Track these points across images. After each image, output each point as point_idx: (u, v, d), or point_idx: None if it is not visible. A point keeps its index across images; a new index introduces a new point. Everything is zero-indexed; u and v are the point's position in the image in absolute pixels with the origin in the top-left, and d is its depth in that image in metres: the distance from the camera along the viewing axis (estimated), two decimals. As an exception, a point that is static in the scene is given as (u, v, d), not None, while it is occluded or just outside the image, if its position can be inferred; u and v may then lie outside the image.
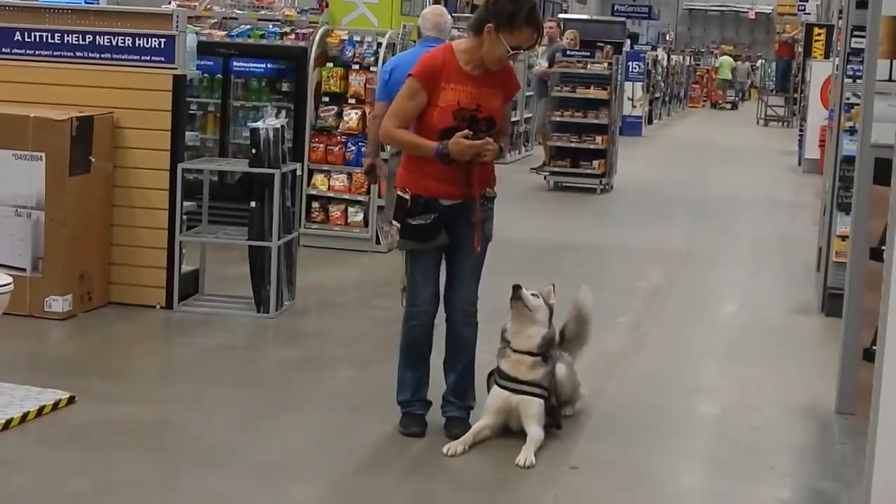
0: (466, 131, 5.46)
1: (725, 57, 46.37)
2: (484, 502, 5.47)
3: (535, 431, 5.64)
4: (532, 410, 5.68)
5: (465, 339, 5.90)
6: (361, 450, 5.92)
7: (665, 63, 34.12)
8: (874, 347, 5.48)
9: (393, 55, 11.27)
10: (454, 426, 5.82)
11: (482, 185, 5.72)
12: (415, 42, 10.50)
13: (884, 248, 5.52)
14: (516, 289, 5.74)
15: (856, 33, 8.22)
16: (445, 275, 5.91)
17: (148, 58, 8.53)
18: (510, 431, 5.87)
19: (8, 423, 5.75)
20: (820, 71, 17.62)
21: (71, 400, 6.14)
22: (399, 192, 5.76)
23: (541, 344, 5.76)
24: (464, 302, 5.84)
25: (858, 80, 7.96)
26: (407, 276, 6.06)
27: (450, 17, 9.77)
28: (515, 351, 5.76)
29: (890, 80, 5.77)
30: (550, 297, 5.93)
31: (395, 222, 5.77)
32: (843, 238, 8.19)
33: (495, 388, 5.80)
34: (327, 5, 12.62)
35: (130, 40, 8.53)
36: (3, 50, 8.66)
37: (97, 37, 8.50)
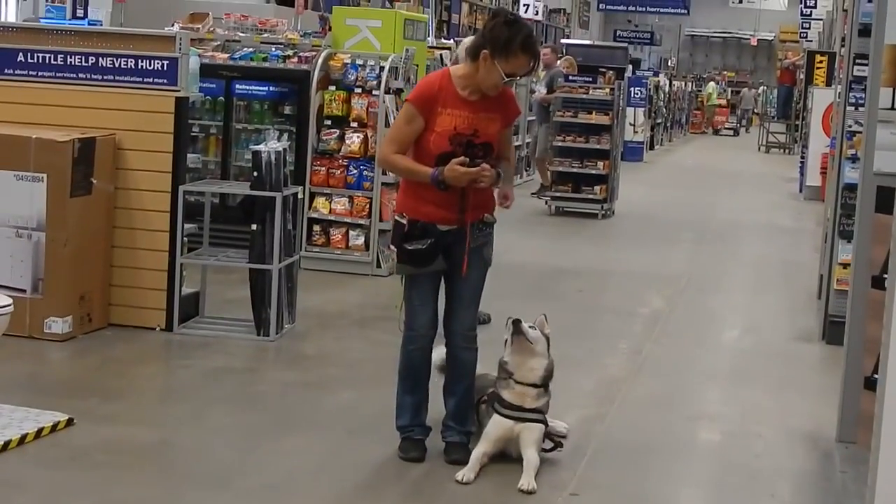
0: (463, 158, 5.42)
1: (711, 83, 46.35)
2: None
3: (533, 456, 5.66)
4: (534, 436, 5.71)
5: (465, 364, 5.86)
6: (361, 473, 5.94)
7: (667, 89, 34.18)
8: (875, 376, 5.47)
9: (395, 79, 11.33)
10: (454, 451, 5.80)
11: (479, 211, 5.69)
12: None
13: (886, 276, 5.53)
14: (517, 324, 5.74)
15: (858, 61, 8.19)
16: (445, 300, 5.87)
17: (150, 80, 8.55)
18: (505, 455, 5.89)
19: (6, 445, 5.75)
20: (822, 98, 17.60)
21: (70, 422, 6.14)
22: (396, 217, 5.71)
23: (543, 375, 5.82)
24: (462, 327, 5.78)
25: (861, 108, 7.95)
26: (405, 301, 5.89)
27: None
28: (519, 383, 5.77)
29: (892, 108, 5.76)
30: (545, 328, 5.95)
31: (392, 247, 5.80)
32: (845, 266, 8.20)
33: (496, 416, 5.77)
34: (330, 29, 12.65)
35: (133, 62, 8.55)
36: (6, 71, 8.67)
37: (100, 59, 8.51)
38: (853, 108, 8.45)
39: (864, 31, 7.80)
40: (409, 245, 5.54)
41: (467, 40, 10.91)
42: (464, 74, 5.59)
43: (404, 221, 5.59)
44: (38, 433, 5.94)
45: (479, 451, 5.74)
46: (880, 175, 5.80)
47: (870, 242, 5.93)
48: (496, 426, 5.75)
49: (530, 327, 5.80)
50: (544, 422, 5.82)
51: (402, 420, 5.92)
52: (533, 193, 17.36)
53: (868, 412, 5.52)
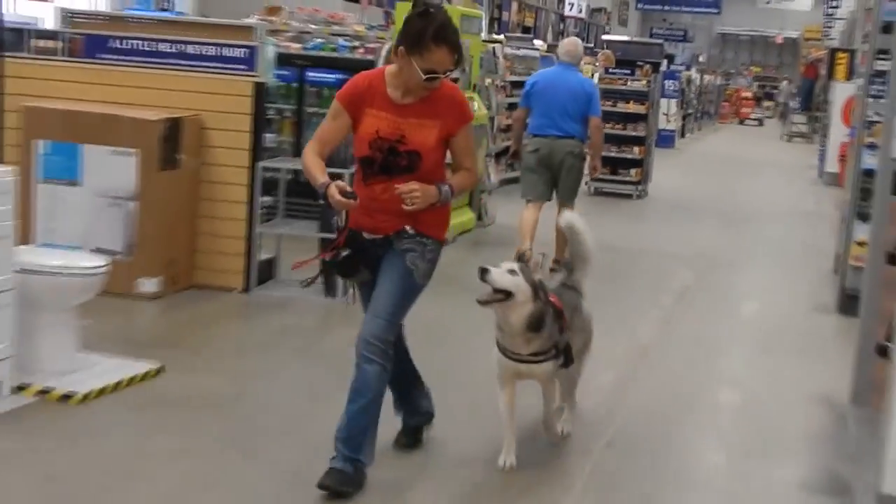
0: (342, 183, 4.48)
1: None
2: (520, 475, 5.34)
3: (551, 391, 5.38)
4: (543, 374, 5.18)
5: (363, 376, 4.64)
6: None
7: (698, 82, 33.98)
8: (888, 343, 5.51)
9: (457, 74, 11.36)
10: (330, 476, 4.63)
11: (401, 220, 4.61)
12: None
13: (900, 252, 5.57)
14: (483, 272, 4.81)
15: (880, 56, 8.18)
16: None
17: (231, 66, 8.65)
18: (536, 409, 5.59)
19: (103, 390, 5.88)
20: (842, 92, 17.46)
21: (160, 370, 6.26)
22: (336, 221, 4.92)
23: (527, 323, 4.90)
24: (369, 334, 4.61)
25: (881, 100, 7.97)
26: None
27: (581, 46, 11.31)
28: (505, 331, 5.05)
29: (912, 99, 5.77)
30: (534, 273, 5.04)
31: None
32: (861, 244, 8.19)
33: (501, 357, 5.14)
34: (393, 22, 12.72)
35: (216, 50, 8.66)
36: (102, 56, 8.79)
37: (186, 46, 8.62)
38: (873, 99, 8.43)
39: (887, 28, 7.80)
40: (329, 256, 4.71)
41: (565, 40, 11.34)
42: (395, 73, 4.57)
43: (337, 225, 4.83)
44: (131, 380, 6.05)
45: (503, 401, 5.20)
46: (897, 160, 5.80)
47: (885, 223, 5.94)
48: (501, 366, 5.15)
49: (509, 272, 4.88)
50: (551, 358, 5.12)
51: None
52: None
53: (880, 378, 5.55)
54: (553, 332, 5.07)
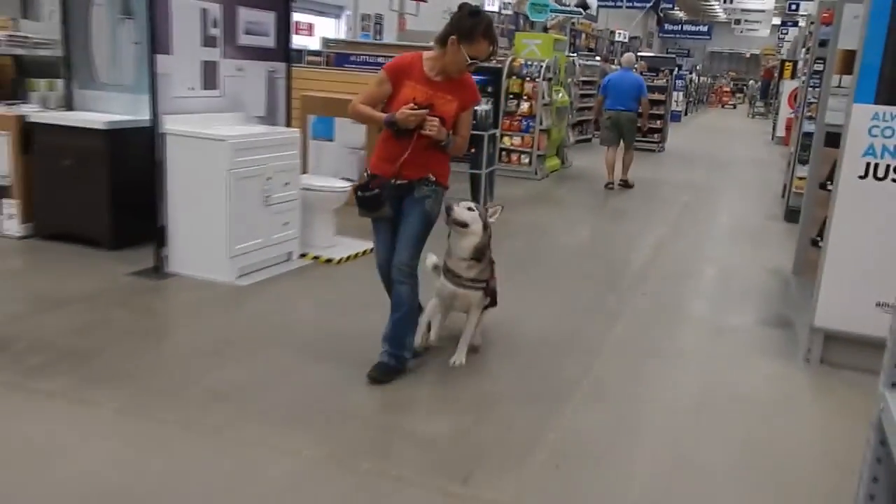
0: (412, 104, 3.68)
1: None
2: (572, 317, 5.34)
3: (475, 318, 4.14)
4: (474, 300, 4.09)
5: (399, 294, 3.88)
6: (525, 282, 5.94)
7: (696, 81, 32.88)
8: (818, 237, 5.34)
9: (548, 72, 11.19)
10: (377, 368, 3.87)
11: (425, 170, 3.82)
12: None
13: (829, 182, 5.35)
14: (448, 209, 3.90)
15: (817, 61, 7.88)
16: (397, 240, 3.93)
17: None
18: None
19: (349, 257, 6.00)
20: (788, 87, 16.77)
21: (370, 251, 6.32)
22: (364, 172, 3.98)
23: (474, 250, 3.96)
24: (399, 262, 3.84)
25: (816, 89, 7.67)
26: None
27: (634, 57, 12.19)
28: (455, 256, 4.00)
29: (839, 86, 5.50)
30: (490, 215, 4.04)
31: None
32: (801, 178, 7.96)
33: (441, 278, 4.09)
34: (513, 45, 12.53)
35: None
36: (345, 65, 9.01)
37: (387, 59, 8.55)
38: (812, 88, 8.12)
39: (822, 44, 7.52)
40: (361, 193, 3.83)
41: (626, 54, 11.54)
42: (432, 57, 3.81)
43: (366, 174, 3.91)
44: (364, 252, 6.08)
45: (431, 307, 4.18)
46: (829, 125, 5.56)
47: (819, 164, 5.72)
48: (442, 286, 4.09)
49: (468, 209, 3.97)
50: (483, 288, 4.09)
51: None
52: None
53: (812, 258, 5.40)
54: (487, 269, 4.09)
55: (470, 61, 3.70)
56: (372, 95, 3.82)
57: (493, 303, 4.30)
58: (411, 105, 3.67)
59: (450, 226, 3.92)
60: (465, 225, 3.91)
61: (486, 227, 3.98)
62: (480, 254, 3.99)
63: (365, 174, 3.88)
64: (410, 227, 3.83)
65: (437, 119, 3.68)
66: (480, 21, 3.69)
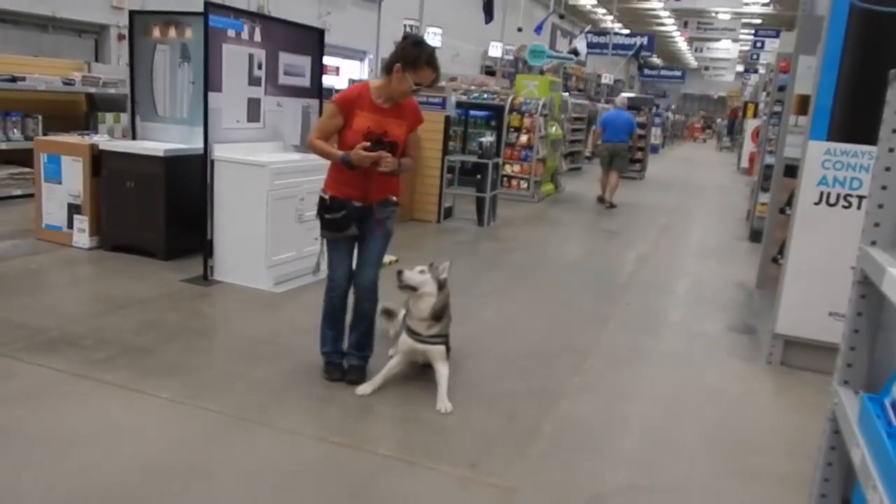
0: (365, 143, 3.41)
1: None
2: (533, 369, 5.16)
3: (443, 371, 3.62)
4: (436, 355, 3.64)
5: (365, 310, 3.70)
6: (524, 291, 5.91)
7: (671, 119, 32.86)
8: (778, 255, 5.32)
9: (544, 109, 11.22)
10: (353, 372, 3.71)
11: (385, 192, 3.59)
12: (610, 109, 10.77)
13: (787, 207, 5.34)
14: (398, 274, 3.54)
15: (776, 104, 7.89)
16: (356, 259, 3.69)
17: (434, 107, 8.62)
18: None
19: (371, 268, 5.99)
20: (751, 125, 16.75)
21: (397, 260, 6.23)
22: (321, 194, 3.61)
23: (430, 312, 3.58)
24: (366, 280, 3.63)
25: (776, 127, 7.65)
26: (328, 259, 3.70)
27: (626, 99, 12.96)
28: (414, 317, 3.61)
29: (795, 125, 5.51)
30: (441, 273, 3.61)
31: (316, 216, 3.66)
32: (763, 204, 7.92)
33: (404, 335, 3.67)
34: (514, 85, 12.57)
35: (427, 98, 8.62)
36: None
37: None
38: (772, 126, 8.09)
39: (781, 89, 7.49)
40: (328, 215, 3.56)
41: (620, 96, 11.90)
42: (379, 86, 3.53)
43: (327, 197, 3.57)
44: (389, 263, 6.06)
45: (393, 361, 3.71)
46: (787, 158, 5.56)
47: (780, 191, 5.71)
48: (404, 342, 3.66)
49: (420, 272, 3.58)
50: (444, 343, 3.66)
51: (325, 348, 3.81)
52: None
53: (773, 273, 5.38)
54: (447, 325, 3.70)
55: (415, 87, 3.47)
56: (326, 129, 3.57)
57: (448, 351, 3.74)
58: (364, 144, 3.41)
59: (402, 291, 3.57)
60: (413, 289, 3.55)
61: (441, 286, 3.60)
62: (440, 313, 3.61)
63: (325, 197, 3.57)
64: (376, 247, 3.63)
65: (389, 155, 3.45)
66: (423, 50, 3.47)
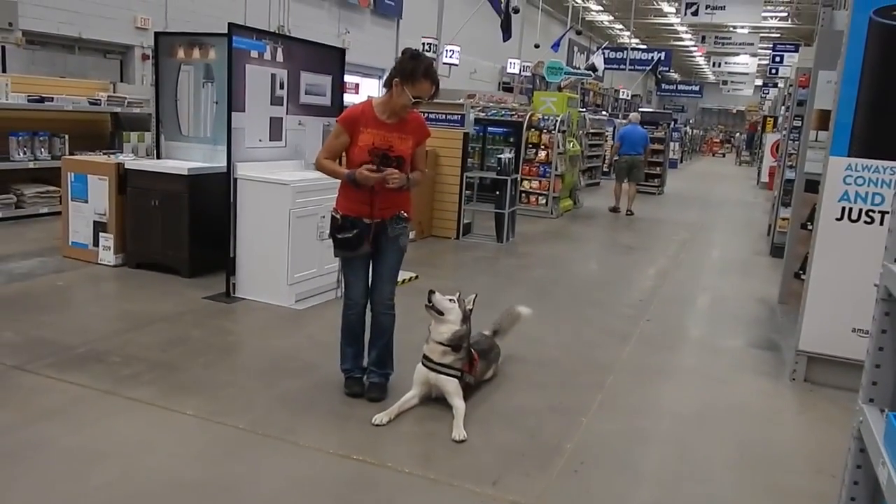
0: (370, 165, 3.44)
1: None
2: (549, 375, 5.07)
3: (457, 404, 3.53)
4: (449, 387, 3.58)
5: (383, 325, 3.71)
6: (538, 295, 5.92)
7: (690, 133, 32.71)
8: (801, 271, 5.28)
9: (565, 128, 11.26)
10: (373, 390, 3.70)
11: (395, 208, 3.59)
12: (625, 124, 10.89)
13: (809, 223, 5.31)
14: (430, 295, 3.62)
15: (796, 118, 7.83)
16: (372, 276, 3.69)
17: (453, 124, 8.67)
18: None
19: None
20: (770, 139, 16.64)
21: (417, 276, 6.31)
22: (333, 214, 3.60)
23: (450, 338, 3.59)
24: (382, 297, 3.65)
25: (795, 142, 7.60)
26: (343, 278, 3.73)
27: (639, 116, 13.35)
28: (432, 340, 3.63)
29: (815, 140, 5.49)
30: (467, 304, 3.71)
31: (329, 236, 3.65)
32: (784, 219, 7.86)
33: (420, 365, 3.66)
34: (532, 101, 12.63)
35: (446, 115, 8.71)
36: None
37: (431, 114, 8.60)
38: (792, 141, 8.03)
39: (800, 104, 7.46)
40: (340, 235, 3.55)
41: (633, 113, 12.20)
42: (382, 102, 3.55)
43: (338, 217, 3.57)
44: (408, 280, 6.12)
45: (408, 395, 3.62)
46: (808, 173, 5.54)
47: (800, 206, 5.67)
48: (418, 373, 3.65)
49: (449, 300, 3.64)
50: (456, 377, 3.60)
51: (344, 364, 3.82)
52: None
53: (795, 289, 5.34)
54: (463, 359, 3.66)
55: (414, 100, 3.45)
56: (333, 148, 3.58)
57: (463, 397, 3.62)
58: (368, 167, 3.42)
59: (427, 311, 3.59)
60: (440, 313, 3.58)
61: (465, 319, 3.63)
62: (458, 342, 3.60)
63: (337, 217, 3.57)
64: (390, 263, 3.64)
65: (396, 172, 3.45)
66: (420, 63, 3.45)
